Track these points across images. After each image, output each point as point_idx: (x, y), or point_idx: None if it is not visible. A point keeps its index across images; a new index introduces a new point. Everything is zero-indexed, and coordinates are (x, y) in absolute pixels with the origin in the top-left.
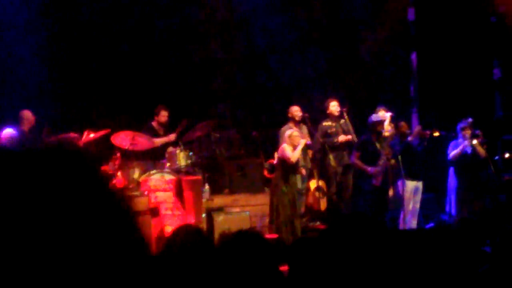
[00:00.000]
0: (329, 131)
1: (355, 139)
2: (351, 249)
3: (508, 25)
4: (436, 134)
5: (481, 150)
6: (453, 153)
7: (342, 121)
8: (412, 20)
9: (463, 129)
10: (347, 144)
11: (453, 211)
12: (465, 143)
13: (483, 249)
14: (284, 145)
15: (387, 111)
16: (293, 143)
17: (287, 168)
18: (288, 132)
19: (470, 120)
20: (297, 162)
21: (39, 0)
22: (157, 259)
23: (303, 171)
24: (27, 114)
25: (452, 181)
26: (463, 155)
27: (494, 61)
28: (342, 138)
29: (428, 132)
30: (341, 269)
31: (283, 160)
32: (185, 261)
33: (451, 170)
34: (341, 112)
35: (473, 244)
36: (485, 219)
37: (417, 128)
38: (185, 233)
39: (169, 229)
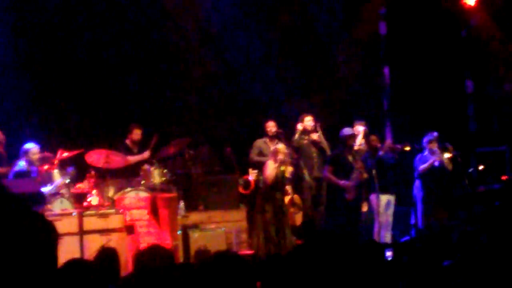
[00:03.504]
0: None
1: (329, 153)
2: (323, 265)
3: (479, 38)
4: (407, 148)
5: (448, 164)
6: (422, 166)
7: (315, 135)
8: (383, 34)
9: (429, 142)
10: (319, 155)
11: (419, 223)
12: (435, 157)
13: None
14: (269, 161)
15: (364, 125)
16: (278, 157)
17: (269, 186)
18: (273, 148)
19: (435, 133)
20: (282, 178)
21: (13, 18)
22: (127, 279)
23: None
24: None
25: (418, 193)
26: (431, 168)
27: (466, 74)
28: (315, 136)
29: (398, 146)
30: (313, 285)
31: (264, 180)
32: (154, 282)
33: (417, 183)
34: (315, 127)
35: (437, 257)
36: (449, 231)
37: (387, 143)
38: (153, 254)
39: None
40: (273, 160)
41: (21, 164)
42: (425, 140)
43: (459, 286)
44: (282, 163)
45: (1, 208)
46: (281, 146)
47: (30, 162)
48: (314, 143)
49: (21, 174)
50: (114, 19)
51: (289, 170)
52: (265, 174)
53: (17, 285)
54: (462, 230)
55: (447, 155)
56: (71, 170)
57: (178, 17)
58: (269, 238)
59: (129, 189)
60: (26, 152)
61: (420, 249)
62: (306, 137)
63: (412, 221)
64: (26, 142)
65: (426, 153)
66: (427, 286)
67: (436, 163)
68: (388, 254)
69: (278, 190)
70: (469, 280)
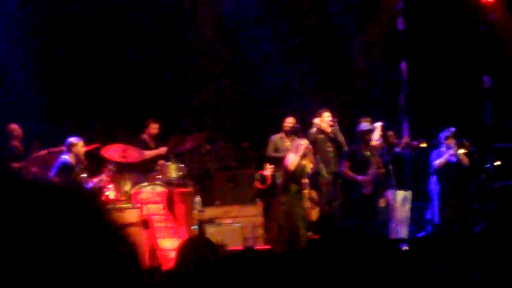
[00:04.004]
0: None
1: (346, 149)
2: (339, 261)
3: (497, 33)
4: (424, 145)
5: (464, 159)
6: (437, 162)
7: (331, 129)
8: (401, 30)
9: (446, 138)
10: (335, 150)
11: (435, 219)
12: (451, 152)
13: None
14: (290, 154)
15: (371, 122)
16: (302, 148)
17: (288, 177)
18: (302, 143)
19: (453, 129)
20: (302, 171)
21: (30, 13)
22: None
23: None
24: (16, 128)
25: (434, 189)
26: (447, 164)
27: (484, 69)
28: (328, 129)
29: (415, 143)
30: (328, 281)
31: (285, 170)
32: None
33: (433, 179)
34: (332, 122)
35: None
36: (467, 227)
37: (404, 139)
38: (196, 246)
39: (163, 242)
40: (295, 153)
41: (66, 157)
42: (443, 135)
43: (479, 280)
44: (305, 155)
45: (16, 201)
46: (305, 142)
47: (76, 157)
48: (329, 136)
49: (67, 168)
50: (131, 14)
51: (309, 166)
52: (286, 163)
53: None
54: (484, 225)
55: (462, 151)
56: (111, 166)
57: (195, 12)
58: (283, 230)
59: (145, 183)
60: (72, 145)
61: (440, 244)
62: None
63: (428, 217)
64: (42, 136)
65: (443, 148)
66: (448, 281)
67: (453, 159)
68: (404, 248)
69: (295, 182)
70: (488, 273)
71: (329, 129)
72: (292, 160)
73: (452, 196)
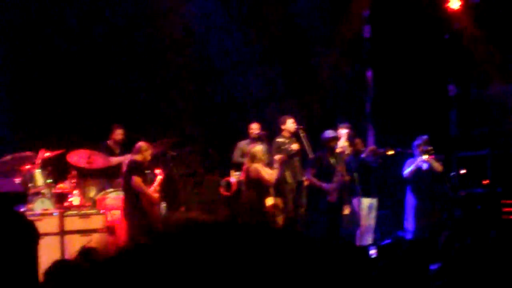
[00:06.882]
0: (282, 147)
1: (312, 156)
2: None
3: (462, 42)
4: (390, 152)
5: (436, 165)
6: (407, 170)
7: (295, 145)
8: (367, 37)
9: (418, 146)
10: (300, 158)
11: (411, 226)
12: (418, 159)
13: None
14: (257, 165)
15: (348, 128)
16: (262, 159)
17: (261, 188)
18: (252, 150)
19: (425, 137)
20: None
21: None
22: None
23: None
24: None
25: (409, 198)
26: (419, 171)
27: (449, 78)
28: (295, 146)
29: (381, 151)
30: None
31: (258, 180)
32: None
33: (409, 187)
34: (297, 130)
35: (423, 261)
36: (441, 233)
37: (370, 147)
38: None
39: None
40: (257, 163)
41: (135, 158)
42: (415, 143)
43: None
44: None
45: None
46: (257, 148)
47: (143, 159)
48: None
49: (138, 167)
50: (97, 19)
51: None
52: (262, 177)
53: None
54: (448, 233)
55: (425, 157)
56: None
57: (162, 18)
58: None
59: (110, 189)
60: (142, 149)
61: (406, 252)
62: (288, 141)
63: (405, 225)
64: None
65: (416, 157)
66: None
67: (424, 166)
68: (372, 252)
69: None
70: (453, 282)
71: (295, 146)
72: (267, 173)
73: (426, 203)
